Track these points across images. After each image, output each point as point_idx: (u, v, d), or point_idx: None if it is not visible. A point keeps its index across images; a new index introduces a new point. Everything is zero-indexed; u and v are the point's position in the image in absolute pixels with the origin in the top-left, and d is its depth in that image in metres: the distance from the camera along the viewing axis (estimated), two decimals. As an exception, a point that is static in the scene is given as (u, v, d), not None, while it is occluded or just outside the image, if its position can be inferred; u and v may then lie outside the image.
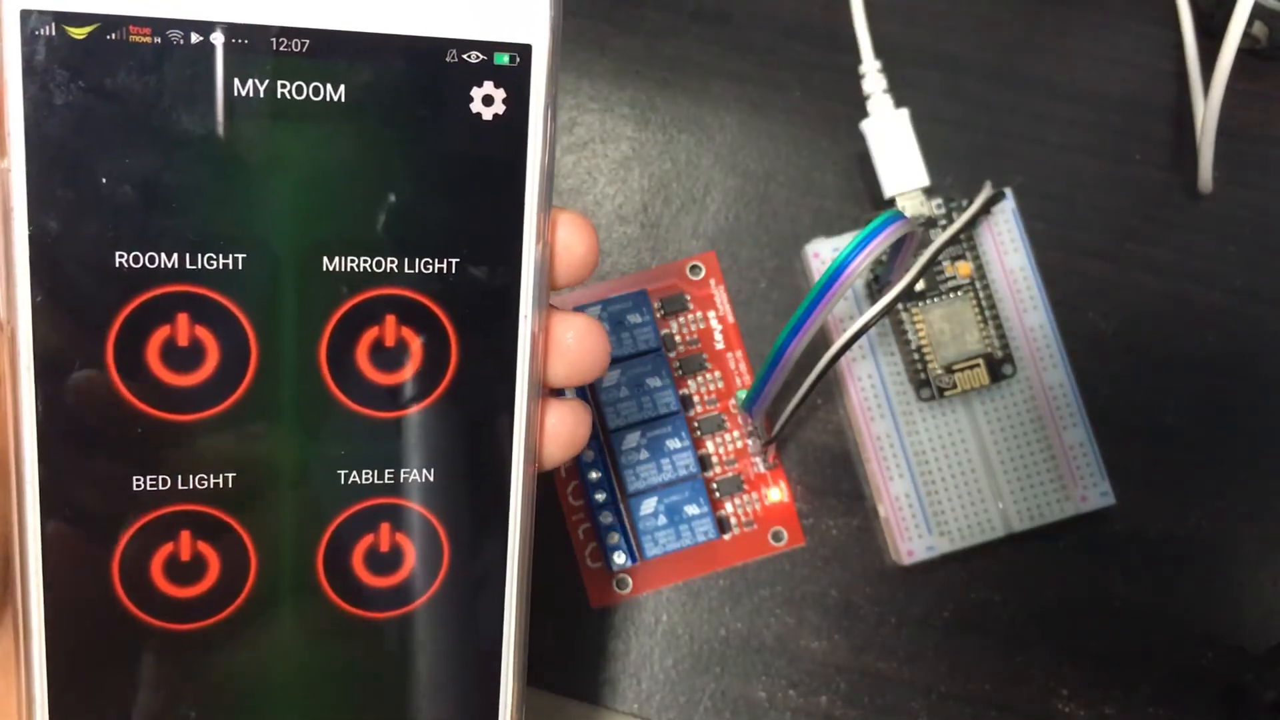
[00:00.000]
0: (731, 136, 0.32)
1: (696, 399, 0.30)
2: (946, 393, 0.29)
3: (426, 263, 0.18)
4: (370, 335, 0.18)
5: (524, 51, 0.18)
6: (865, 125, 0.30)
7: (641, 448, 0.29)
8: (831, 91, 0.32)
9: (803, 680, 0.30)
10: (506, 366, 0.19)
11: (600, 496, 0.29)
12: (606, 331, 0.20)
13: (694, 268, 0.31)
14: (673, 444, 0.29)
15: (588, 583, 0.30)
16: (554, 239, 0.19)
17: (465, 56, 0.18)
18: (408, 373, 0.18)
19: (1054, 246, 0.31)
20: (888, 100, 0.30)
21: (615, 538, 0.29)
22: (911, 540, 0.29)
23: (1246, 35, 0.29)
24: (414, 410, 0.18)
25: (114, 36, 0.16)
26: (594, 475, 0.29)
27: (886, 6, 0.32)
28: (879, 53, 0.31)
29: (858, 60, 0.31)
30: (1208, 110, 0.29)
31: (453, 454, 0.19)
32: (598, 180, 0.32)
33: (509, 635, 0.19)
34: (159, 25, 0.16)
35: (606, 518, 0.29)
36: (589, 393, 0.29)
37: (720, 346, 0.31)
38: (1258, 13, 0.31)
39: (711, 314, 0.31)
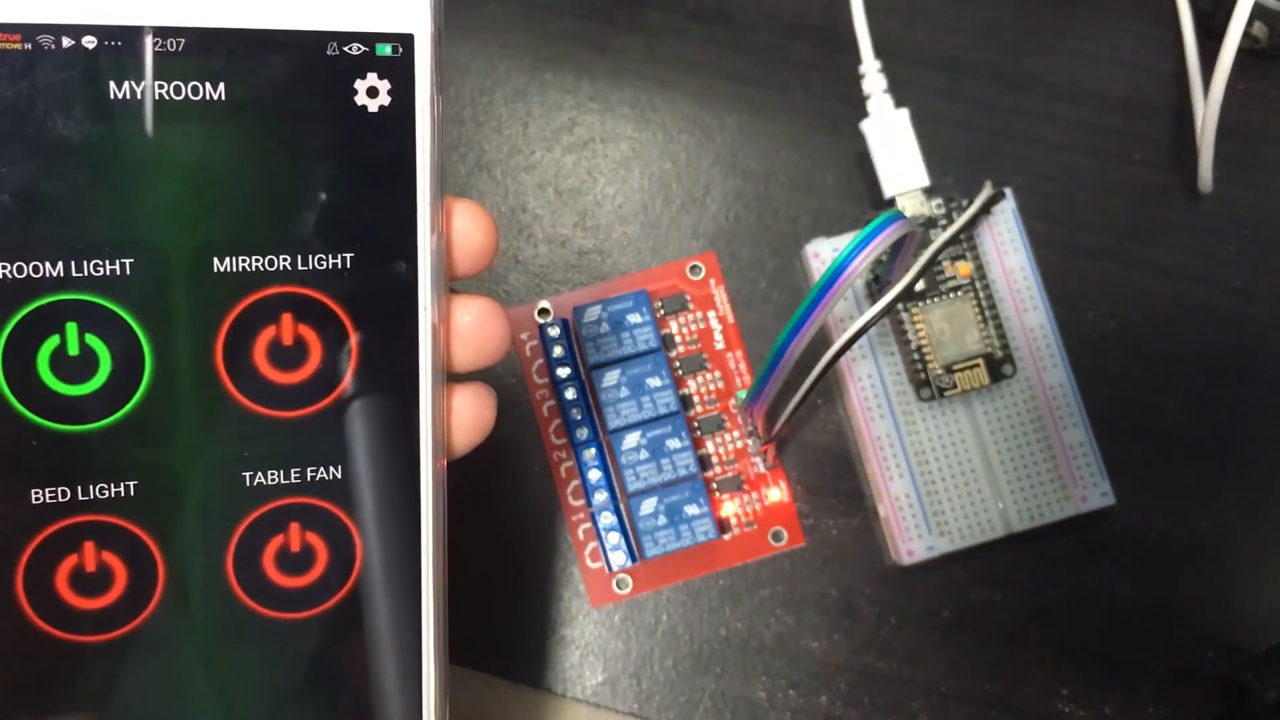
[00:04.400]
0: (731, 136, 0.32)
1: (696, 399, 0.30)
2: (946, 393, 0.29)
3: (320, 259, 0.18)
4: (267, 335, 0.18)
5: (406, 41, 0.18)
6: (865, 125, 0.30)
7: (641, 448, 0.29)
8: (831, 91, 0.32)
9: (803, 680, 0.30)
10: (408, 359, 0.19)
11: (600, 496, 0.29)
12: (504, 311, 0.20)
13: (694, 268, 0.31)
14: (673, 444, 0.29)
15: (588, 583, 0.30)
16: (450, 228, 0.19)
17: (346, 49, 0.18)
18: (308, 370, 0.18)
19: (1054, 246, 0.31)
20: (888, 100, 0.30)
21: (615, 538, 0.29)
22: (911, 540, 0.29)
23: (1246, 35, 0.29)
24: (317, 408, 0.18)
25: None
26: (594, 475, 0.29)
27: (886, 6, 0.32)
28: (879, 53, 0.31)
29: (858, 60, 0.31)
30: (1208, 110, 0.29)
31: (359, 449, 0.18)
32: (598, 180, 0.32)
33: (428, 627, 0.19)
34: (29, 30, 0.16)
35: (606, 518, 0.29)
36: (589, 395, 0.29)
37: (720, 346, 0.31)
38: (1258, 13, 0.31)
39: (711, 314, 0.31)
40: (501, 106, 0.32)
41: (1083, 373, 0.30)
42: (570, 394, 0.29)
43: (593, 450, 0.29)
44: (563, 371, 0.30)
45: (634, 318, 0.29)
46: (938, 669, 0.30)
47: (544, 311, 0.31)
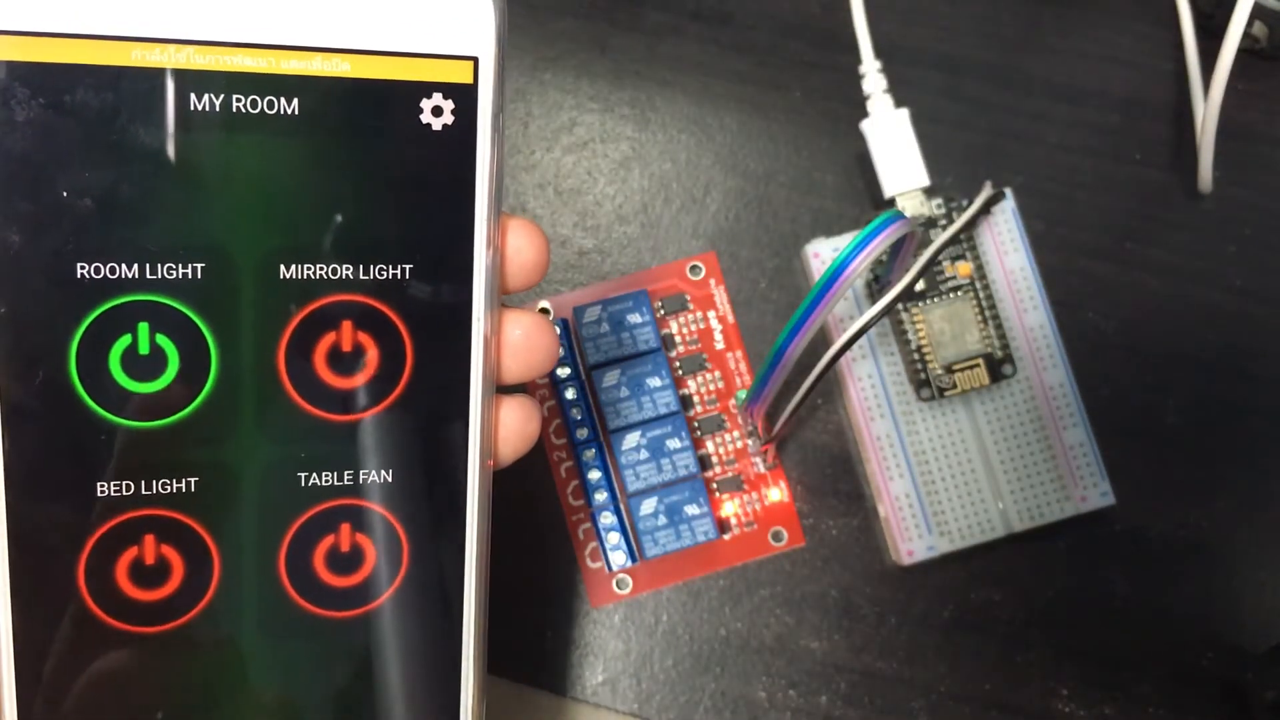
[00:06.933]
0: (731, 136, 0.32)
1: (696, 399, 0.30)
2: (946, 393, 0.29)
3: (381, 269, 0.19)
4: (327, 340, 0.19)
5: (471, 64, 0.18)
6: (865, 125, 0.30)
7: (641, 448, 0.29)
8: (831, 91, 0.32)
9: (803, 680, 0.30)
10: (460, 368, 0.19)
11: (600, 496, 0.29)
12: (554, 327, 0.21)
13: (694, 268, 0.31)
14: (673, 444, 0.29)
15: (588, 583, 0.30)
16: (504, 244, 0.20)
17: (414, 69, 0.18)
18: (365, 376, 0.19)
19: (1054, 246, 0.31)
20: (888, 100, 0.30)
21: (615, 538, 0.29)
22: (911, 540, 0.29)
23: (1246, 35, 0.29)
24: (372, 413, 0.19)
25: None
26: (594, 475, 0.29)
27: (886, 6, 0.32)
28: (879, 53, 0.31)
29: (858, 60, 0.31)
30: (1208, 110, 0.29)
31: (410, 454, 0.19)
32: (598, 180, 0.32)
33: (469, 630, 0.19)
34: (116, 45, 0.17)
35: (606, 518, 0.29)
36: (589, 395, 0.29)
37: (720, 346, 0.31)
38: (1258, 13, 0.31)
39: (711, 314, 0.31)
40: (501, 106, 0.32)
41: (1083, 373, 0.30)
42: (570, 394, 0.29)
43: (593, 450, 0.29)
44: (563, 371, 0.30)
45: (634, 318, 0.29)
46: (938, 669, 0.30)
47: (544, 311, 0.31)
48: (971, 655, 0.30)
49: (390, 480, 0.19)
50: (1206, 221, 0.32)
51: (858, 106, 0.31)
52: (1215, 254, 0.32)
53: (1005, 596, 0.30)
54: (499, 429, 0.20)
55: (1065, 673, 0.30)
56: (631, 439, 0.29)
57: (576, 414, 0.29)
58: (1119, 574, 0.30)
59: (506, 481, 0.30)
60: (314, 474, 0.19)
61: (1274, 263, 0.32)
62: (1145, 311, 0.32)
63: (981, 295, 0.30)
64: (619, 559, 0.29)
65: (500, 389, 0.20)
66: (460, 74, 0.18)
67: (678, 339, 0.31)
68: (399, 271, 0.19)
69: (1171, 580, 0.30)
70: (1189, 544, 0.31)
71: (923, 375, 0.29)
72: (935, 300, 0.30)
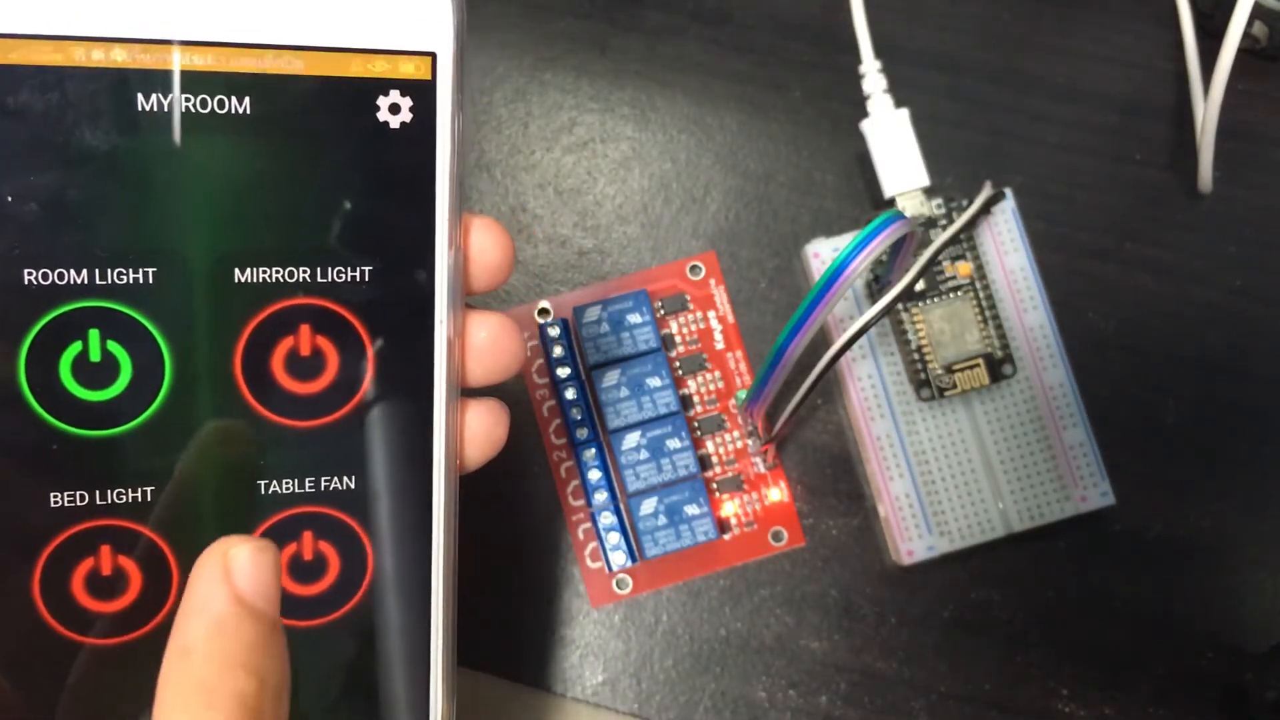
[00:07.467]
0: (731, 136, 0.32)
1: (696, 399, 0.30)
2: (946, 393, 0.29)
3: (339, 271, 0.18)
4: (285, 345, 0.18)
5: (429, 60, 0.18)
6: (865, 125, 0.30)
7: (641, 448, 0.29)
8: (831, 91, 0.32)
9: (803, 680, 0.30)
10: (423, 372, 0.19)
11: (600, 496, 0.29)
12: (519, 329, 0.20)
13: (694, 268, 0.31)
14: (673, 444, 0.29)
15: (588, 583, 0.30)
16: (468, 244, 0.19)
17: (370, 66, 0.18)
18: (324, 381, 0.18)
19: (1054, 246, 0.31)
20: (888, 100, 0.30)
21: (615, 538, 0.29)
22: (911, 540, 0.29)
23: (1246, 35, 0.29)
24: (332, 418, 0.18)
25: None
26: (594, 475, 0.29)
27: (886, 6, 0.32)
28: (879, 53, 0.31)
29: (858, 60, 0.31)
30: (1208, 110, 0.29)
31: (373, 461, 0.19)
32: (598, 180, 0.32)
33: (436, 637, 0.19)
34: (60, 44, 0.16)
35: (606, 518, 0.29)
36: (589, 395, 0.29)
37: (720, 346, 0.31)
38: (1258, 13, 0.31)
39: (711, 314, 0.31)
40: (501, 106, 0.32)
41: (1083, 373, 0.30)
42: (570, 394, 0.29)
43: (593, 450, 0.29)
44: (563, 371, 0.30)
45: (634, 318, 0.29)
46: (938, 669, 0.30)
47: (544, 311, 0.31)
48: (971, 655, 0.30)
49: (353, 487, 0.19)
50: (1206, 221, 0.32)
51: (858, 106, 0.31)
52: (1215, 254, 0.32)
53: (1005, 596, 0.30)
54: (465, 433, 0.20)
55: (1065, 673, 0.30)
56: (631, 439, 0.29)
57: (576, 414, 0.29)
58: (1119, 574, 0.30)
59: (506, 482, 0.30)
60: (274, 481, 0.18)
61: (1274, 263, 0.32)
62: (1145, 311, 0.32)
63: (981, 295, 0.30)
64: (619, 559, 0.29)
65: (467, 392, 0.20)
66: (418, 70, 0.18)
67: (678, 339, 0.31)
68: (358, 274, 0.18)
69: (1171, 580, 0.30)
70: (1189, 544, 0.31)
71: (923, 375, 0.29)
72: (935, 300, 0.30)
